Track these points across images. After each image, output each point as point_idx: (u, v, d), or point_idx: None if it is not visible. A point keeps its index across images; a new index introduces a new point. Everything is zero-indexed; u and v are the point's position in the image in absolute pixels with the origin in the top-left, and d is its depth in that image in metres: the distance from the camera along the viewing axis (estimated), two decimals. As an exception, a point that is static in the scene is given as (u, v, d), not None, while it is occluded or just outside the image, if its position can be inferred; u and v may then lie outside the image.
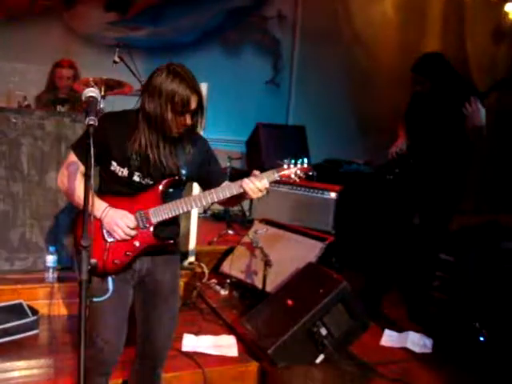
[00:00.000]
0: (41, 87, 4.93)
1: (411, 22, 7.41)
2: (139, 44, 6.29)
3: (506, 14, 7.48)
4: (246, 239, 4.45)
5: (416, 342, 3.59)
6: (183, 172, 2.24)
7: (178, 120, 2.12)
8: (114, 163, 2.20)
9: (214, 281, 4.42)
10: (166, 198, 2.24)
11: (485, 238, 4.47)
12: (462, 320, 3.77)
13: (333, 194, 4.91)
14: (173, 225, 2.34)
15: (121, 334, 2.33)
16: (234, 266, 4.36)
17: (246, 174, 2.24)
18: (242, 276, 4.27)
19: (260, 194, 2.19)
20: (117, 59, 4.53)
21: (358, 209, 5.22)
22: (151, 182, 2.23)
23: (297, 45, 7.50)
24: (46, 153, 3.85)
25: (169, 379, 2.88)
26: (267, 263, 3.78)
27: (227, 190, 2.21)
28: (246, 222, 5.42)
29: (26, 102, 4.40)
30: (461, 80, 3.79)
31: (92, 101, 1.95)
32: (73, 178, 2.20)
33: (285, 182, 2.29)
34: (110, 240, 2.20)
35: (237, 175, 2.27)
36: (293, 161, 2.24)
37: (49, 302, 3.62)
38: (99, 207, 2.16)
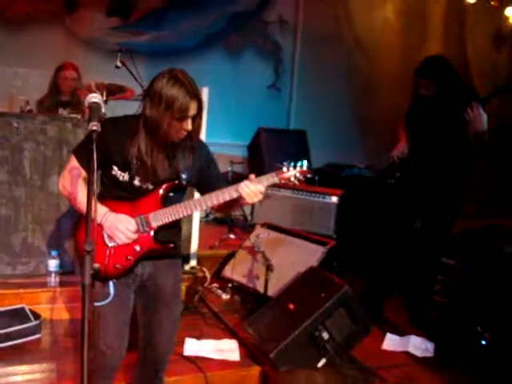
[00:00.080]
0: (43, 92, 4.95)
1: (412, 26, 7.44)
2: (141, 49, 6.31)
3: (507, 18, 7.49)
4: (247, 243, 4.45)
5: (418, 345, 3.58)
6: (183, 176, 2.24)
7: (179, 125, 2.13)
8: (115, 168, 2.21)
9: (215, 285, 4.42)
10: (166, 202, 2.24)
11: (487, 242, 4.46)
12: (464, 324, 3.76)
13: (334, 199, 4.92)
14: (174, 229, 2.35)
15: (122, 338, 2.33)
16: (236, 271, 4.36)
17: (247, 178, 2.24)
18: (243, 280, 4.27)
19: (256, 199, 2.19)
20: (119, 64, 4.54)
21: (359, 213, 5.22)
22: (151, 187, 2.23)
23: (298, 49, 7.52)
24: (48, 157, 3.86)
25: (171, 383, 2.88)
26: (269, 267, 3.79)
27: (226, 193, 2.21)
28: (247, 227, 5.41)
29: (28, 107, 4.41)
30: (463, 85, 3.80)
31: (95, 106, 1.96)
32: (75, 183, 2.21)
33: (284, 184, 2.29)
34: (110, 245, 2.20)
35: (238, 180, 2.28)
36: (292, 163, 2.25)
37: (51, 307, 3.63)
38: (100, 212, 2.16)
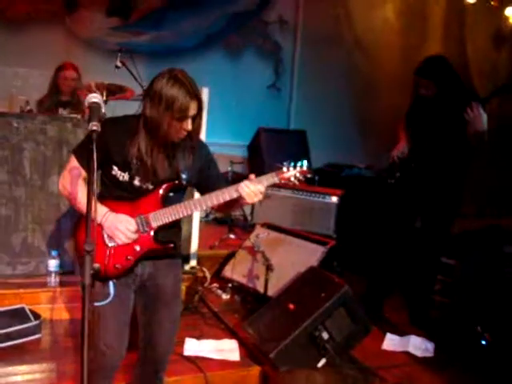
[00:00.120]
0: (43, 92, 4.95)
1: (412, 27, 7.44)
2: (141, 49, 6.31)
3: (507, 18, 7.50)
4: (247, 243, 4.45)
5: (418, 345, 3.58)
6: (184, 176, 2.25)
7: (179, 125, 2.13)
8: (115, 168, 2.21)
9: (215, 285, 4.42)
10: (166, 202, 2.24)
11: (487, 242, 4.47)
12: (464, 324, 3.76)
13: (334, 198, 4.92)
14: (174, 229, 2.35)
15: (122, 338, 2.33)
16: (236, 271, 4.37)
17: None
18: (243, 280, 4.27)
19: (256, 199, 2.19)
20: (119, 64, 4.54)
21: (359, 213, 5.23)
22: (151, 187, 2.24)
23: (298, 49, 7.52)
24: (48, 157, 3.86)
25: (171, 383, 2.88)
26: (269, 267, 3.79)
27: (226, 193, 2.21)
28: (247, 227, 5.41)
29: (28, 107, 4.41)
30: (462, 85, 3.80)
31: (95, 106, 1.96)
32: (75, 183, 2.21)
33: (284, 184, 2.29)
34: (110, 244, 2.21)
35: (238, 180, 2.28)
36: (292, 163, 2.25)
37: (51, 307, 3.63)
38: (100, 212, 2.16)
